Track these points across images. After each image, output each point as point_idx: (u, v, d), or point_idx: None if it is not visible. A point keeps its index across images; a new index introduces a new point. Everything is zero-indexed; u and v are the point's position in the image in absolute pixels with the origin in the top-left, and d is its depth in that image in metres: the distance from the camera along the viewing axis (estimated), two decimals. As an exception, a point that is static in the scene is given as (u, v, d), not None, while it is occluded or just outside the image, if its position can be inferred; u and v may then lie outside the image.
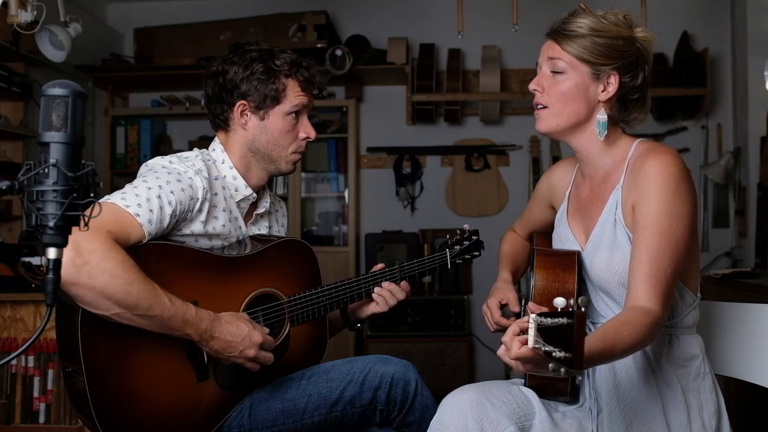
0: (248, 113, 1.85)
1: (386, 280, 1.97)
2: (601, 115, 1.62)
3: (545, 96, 1.63)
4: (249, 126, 1.86)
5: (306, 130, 1.90)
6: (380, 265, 2.01)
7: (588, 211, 1.69)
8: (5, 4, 2.79)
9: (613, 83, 1.61)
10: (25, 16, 2.86)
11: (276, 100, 1.84)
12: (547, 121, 1.64)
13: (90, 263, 1.49)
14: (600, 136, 1.62)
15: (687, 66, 4.44)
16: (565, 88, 1.61)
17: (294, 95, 1.85)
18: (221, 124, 1.88)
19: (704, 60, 4.37)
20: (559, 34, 1.61)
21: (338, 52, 4.35)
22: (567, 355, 1.15)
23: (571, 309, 1.18)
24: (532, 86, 1.64)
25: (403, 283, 1.99)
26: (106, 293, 1.51)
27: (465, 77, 4.70)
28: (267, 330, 1.74)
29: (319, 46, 4.45)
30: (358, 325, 2.06)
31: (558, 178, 1.85)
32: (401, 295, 1.97)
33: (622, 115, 1.65)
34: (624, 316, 1.46)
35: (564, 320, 1.17)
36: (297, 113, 1.88)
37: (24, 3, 2.85)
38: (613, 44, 1.60)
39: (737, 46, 4.49)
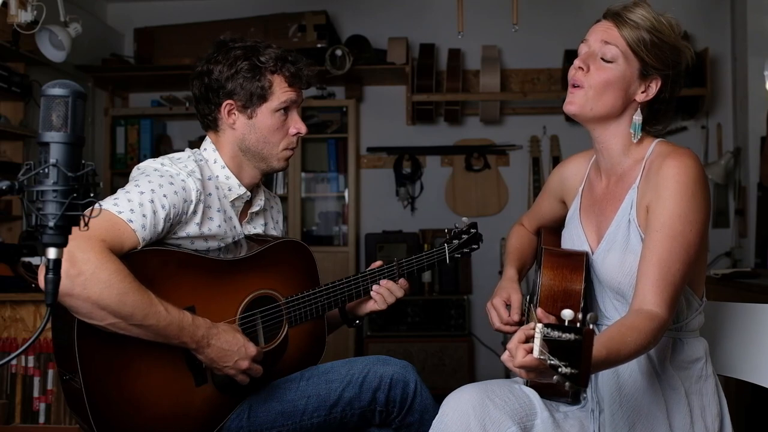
0: (236, 112, 1.82)
1: (384, 277, 1.96)
2: (638, 116, 1.60)
3: (587, 76, 1.57)
4: (237, 125, 1.83)
5: (296, 125, 1.86)
6: (378, 263, 1.99)
7: (602, 209, 1.67)
8: (5, 4, 2.79)
9: (653, 88, 1.59)
10: (25, 16, 2.86)
11: (263, 97, 1.81)
12: (581, 103, 1.58)
13: (84, 274, 1.48)
14: (634, 138, 1.61)
15: (687, 66, 4.43)
16: (610, 74, 1.56)
17: (281, 91, 1.82)
18: (210, 124, 1.86)
19: (704, 60, 4.37)
20: (621, 19, 1.56)
21: (338, 52, 4.35)
22: (573, 371, 1.14)
23: (578, 324, 1.17)
24: (578, 62, 1.57)
25: (402, 281, 1.98)
26: (101, 304, 1.49)
27: (465, 77, 4.70)
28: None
29: (319, 46, 4.45)
30: (357, 321, 2.05)
31: (571, 173, 1.82)
32: (399, 293, 1.96)
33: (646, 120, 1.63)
34: (629, 321, 1.44)
35: (571, 336, 1.15)
36: (286, 109, 1.84)
37: (24, 3, 2.85)
38: (666, 49, 1.57)
39: (737, 46, 4.49)
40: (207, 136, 1.89)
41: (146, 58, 4.69)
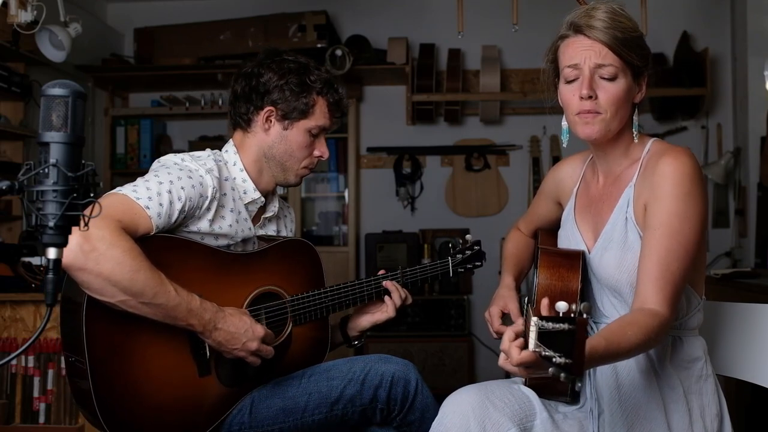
0: (273, 120, 1.88)
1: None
2: (636, 117, 1.61)
3: (599, 103, 1.55)
4: (271, 132, 1.88)
5: (321, 149, 1.94)
6: (382, 271, 2.02)
7: (598, 208, 1.68)
8: (5, 4, 2.78)
9: (643, 85, 1.61)
10: (25, 16, 2.86)
11: (304, 114, 1.88)
12: (601, 128, 1.56)
13: (98, 250, 1.51)
14: (636, 139, 1.62)
15: (687, 66, 4.44)
16: (620, 92, 1.55)
17: (321, 114, 1.90)
18: (242, 123, 1.91)
19: (704, 60, 4.37)
20: (595, 30, 1.54)
21: (338, 52, 4.35)
22: (567, 361, 1.15)
23: (572, 314, 1.18)
24: (585, 91, 1.54)
25: (404, 290, 2.00)
26: (113, 280, 1.52)
27: (465, 77, 4.70)
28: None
29: (319, 46, 4.45)
30: (356, 342, 2.06)
31: (565, 174, 1.83)
32: (403, 294, 1.98)
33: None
34: (630, 317, 1.45)
35: (565, 326, 1.16)
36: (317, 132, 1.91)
37: (24, 3, 2.85)
38: (641, 43, 1.58)
39: (737, 46, 4.49)
40: (231, 139, 1.94)
41: (146, 58, 4.69)
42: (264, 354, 1.73)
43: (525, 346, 1.27)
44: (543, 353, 1.18)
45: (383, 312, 1.98)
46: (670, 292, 1.48)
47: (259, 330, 1.71)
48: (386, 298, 1.97)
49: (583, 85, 1.55)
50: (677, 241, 1.49)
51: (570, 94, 1.58)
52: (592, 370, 1.60)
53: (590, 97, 1.55)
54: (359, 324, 2.03)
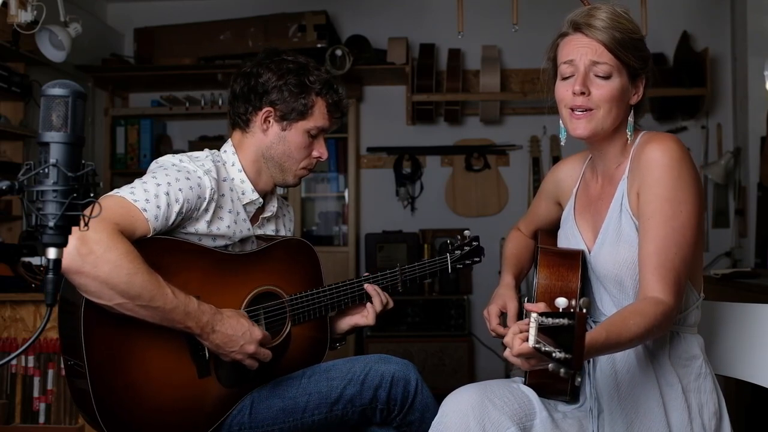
0: (271, 120, 1.87)
1: (387, 281, 1.98)
2: (631, 118, 1.62)
3: (591, 99, 1.56)
4: (269, 133, 1.88)
5: (320, 149, 1.93)
6: (365, 273, 2.02)
7: (597, 207, 1.68)
8: (5, 4, 2.78)
9: (641, 87, 1.61)
10: (25, 16, 2.86)
11: (302, 115, 1.87)
12: (594, 126, 1.57)
13: (95, 253, 1.51)
14: (630, 139, 1.62)
15: (687, 66, 4.44)
16: (613, 90, 1.56)
17: (320, 115, 1.89)
18: (241, 123, 1.90)
19: (704, 60, 4.37)
20: (593, 29, 1.56)
21: (338, 52, 4.35)
22: (566, 356, 1.15)
23: (572, 310, 1.18)
24: (578, 87, 1.55)
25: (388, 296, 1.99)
26: (110, 283, 1.52)
27: (465, 77, 4.70)
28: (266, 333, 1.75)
29: (319, 46, 4.45)
30: (337, 344, 2.04)
31: (565, 174, 1.83)
32: (385, 299, 1.97)
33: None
34: (633, 306, 1.46)
35: (564, 321, 1.17)
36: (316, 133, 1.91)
37: (24, 3, 2.85)
38: (640, 45, 1.59)
39: (737, 46, 4.49)
40: (229, 139, 1.93)
41: (146, 58, 4.69)
42: (261, 357, 1.73)
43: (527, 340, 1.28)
44: (543, 349, 1.18)
45: (363, 316, 1.97)
46: (672, 280, 1.48)
47: (257, 333, 1.70)
48: (368, 304, 1.96)
49: (576, 81, 1.57)
50: (672, 227, 1.50)
51: (564, 90, 1.60)
52: (591, 370, 1.61)
53: (582, 93, 1.56)
54: (339, 327, 2.01)
